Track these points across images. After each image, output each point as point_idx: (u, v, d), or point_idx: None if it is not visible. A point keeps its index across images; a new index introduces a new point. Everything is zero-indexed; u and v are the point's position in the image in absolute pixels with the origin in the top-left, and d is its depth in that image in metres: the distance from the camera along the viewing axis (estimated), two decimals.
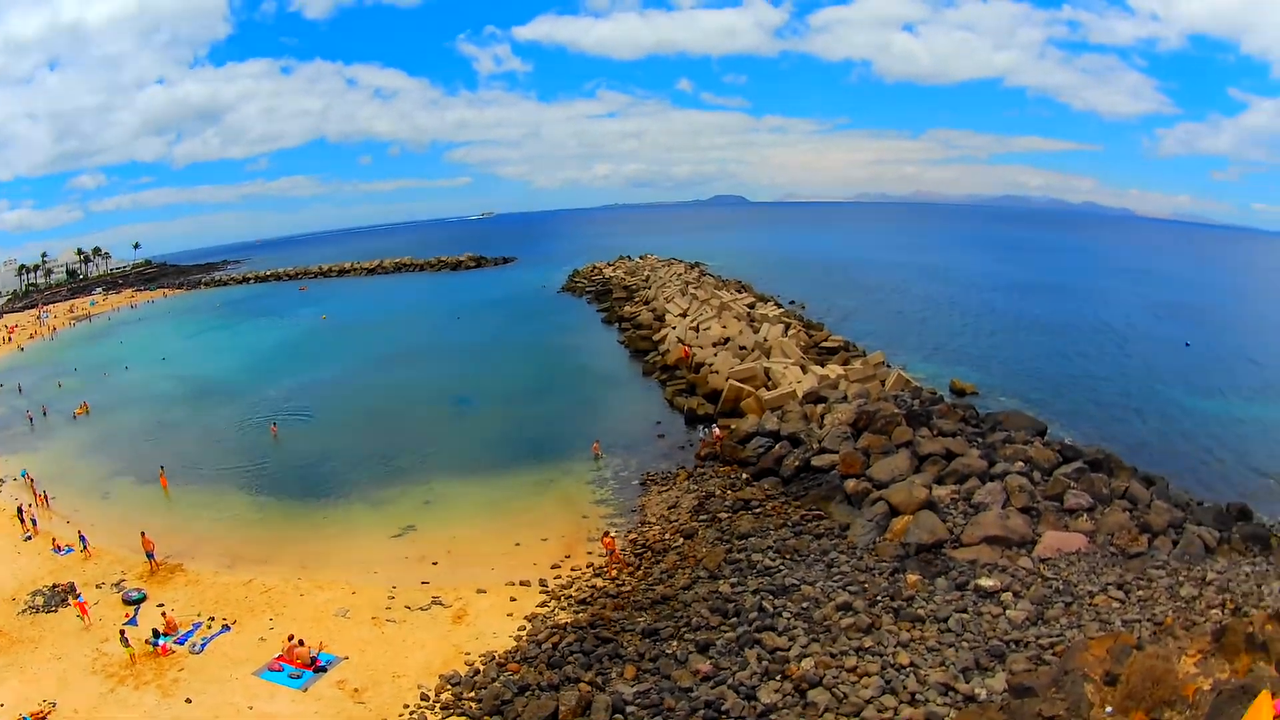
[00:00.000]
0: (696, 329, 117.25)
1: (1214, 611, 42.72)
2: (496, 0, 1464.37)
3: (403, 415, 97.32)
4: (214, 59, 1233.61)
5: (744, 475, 67.31)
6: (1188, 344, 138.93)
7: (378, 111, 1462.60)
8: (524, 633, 46.60)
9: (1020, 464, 62.76)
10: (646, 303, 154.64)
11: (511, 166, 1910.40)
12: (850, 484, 60.06)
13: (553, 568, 54.53)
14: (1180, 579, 47.19)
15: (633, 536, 58.03)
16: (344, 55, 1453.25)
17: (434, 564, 57.11)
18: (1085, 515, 55.39)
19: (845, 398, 78.96)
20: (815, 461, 64.90)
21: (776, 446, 68.74)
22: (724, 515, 59.42)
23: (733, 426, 76.44)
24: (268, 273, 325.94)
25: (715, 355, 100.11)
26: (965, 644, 41.20)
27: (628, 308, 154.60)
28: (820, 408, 77.01)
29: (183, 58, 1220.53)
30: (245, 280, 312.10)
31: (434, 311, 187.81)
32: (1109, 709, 30.72)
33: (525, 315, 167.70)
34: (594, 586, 51.47)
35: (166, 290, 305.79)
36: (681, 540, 56.19)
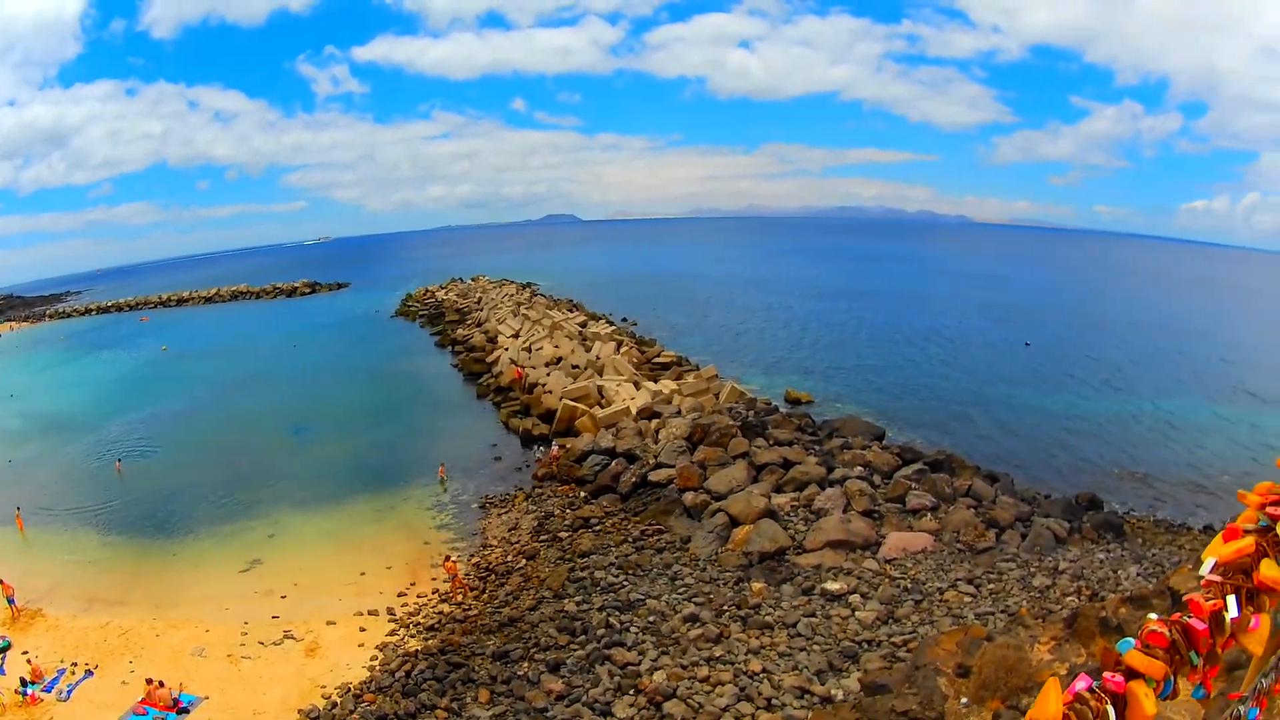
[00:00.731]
0: (529, 350, 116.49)
1: (1070, 599, 44.01)
2: (338, 20, 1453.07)
3: (244, 446, 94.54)
4: (63, 80, 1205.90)
5: (582, 494, 66.73)
6: (1027, 344, 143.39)
7: (217, 135, 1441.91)
8: (376, 662, 45.17)
9: (859, 469, 64.01)
10: (479, 325, 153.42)
11: (346, 190, 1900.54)
12: (689, 497, 60.01)
13: (399, 595, 53.21)
14: (1032, 570, 48.49)
15: (475, 560, 56.97)
16: (187, 76, 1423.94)
17: (283, 597, 55.21)
18: (929, 515, 56.62)
19: (679, 412, 79.33)
20: (652, 476, 64.67)
21: (613, 463, 68.39)
22: (564, 534, 58.81)
23: (568, 445, 75.88)
24: (110, 303, 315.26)
25: (548, 375, 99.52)
26: (817, 647, 41.34)
27: (460, 330, 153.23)
28: (655, 423, 77.16)
29: (33, 79, 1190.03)
30: (88, 311, 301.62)
31: (271, 339, 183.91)
32: (964, 700, 31.02)
33: (360, 341, 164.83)
34: (441, 612, 50.28)
35: (13, 323, 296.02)
36: (524, 561, 55.30)
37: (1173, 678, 7.27)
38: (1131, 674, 6.96)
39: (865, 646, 41.06)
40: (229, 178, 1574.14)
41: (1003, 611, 42.95)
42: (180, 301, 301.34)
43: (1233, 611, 7.58)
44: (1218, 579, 7.84)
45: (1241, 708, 9.21)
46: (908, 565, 49.42)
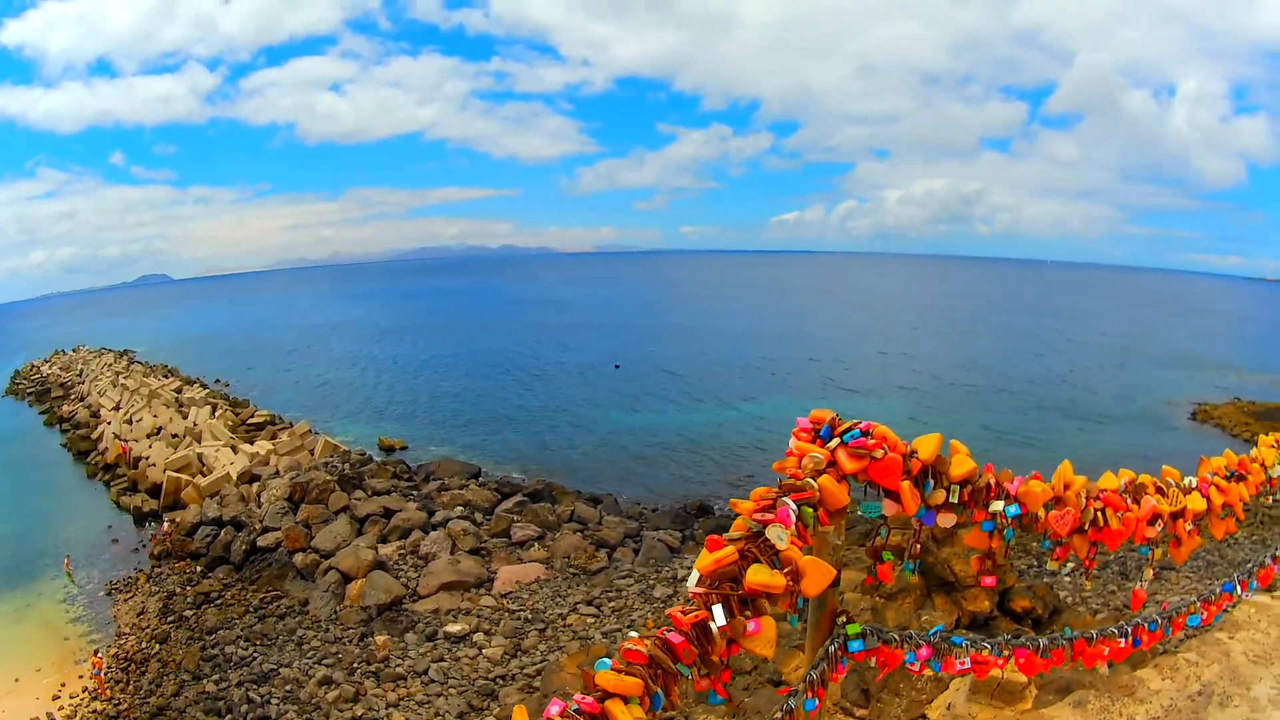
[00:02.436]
0: (130, 422, 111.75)
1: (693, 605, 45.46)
2: None
3: None
4: None
5: (198, 568, 64.33)
6: (617, 365, 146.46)
7: None
8: None
9: (460, 508, 65.04)
10: (82, 399, 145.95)
11: None
12: (299, 558, 59.21)
13: (54, 699, 50.72)
14: (651, 582, 50.63)
15: (114, 651, 54.86)
16: None
17: None
18: (536, 545, 57.94)
19: (278, 472, 77.90)
20: (261, 542, 63.11)
21: (222, 533, 66.57)
22: (189, 613, 56.49)
23: (178, 519, 73.56)
24: None
25: (151, 447, 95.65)
26: (453, 690, 41.75)
27: (66, 406, 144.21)
28: (256, 486, 75.39)
29: None
30: None
31: None
32: None
33: None
34: (95, 711, 48.18)
35: None
36: (158, 646, 52.97)
37: (660, 692, 7.67)
38: (608, 694, 7.35)
39: (500, 682, 41.79)
40: None
41: (628, 626, 44.47)
42: None
43: (719, 620, 8.08)
44: (701, 590, 8.29)
45: (793, 701, 9.84)
46: (524, 597, 50.61)
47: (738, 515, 9.58)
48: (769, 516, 8.99)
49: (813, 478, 9.66)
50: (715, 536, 8.80)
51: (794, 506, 9.13)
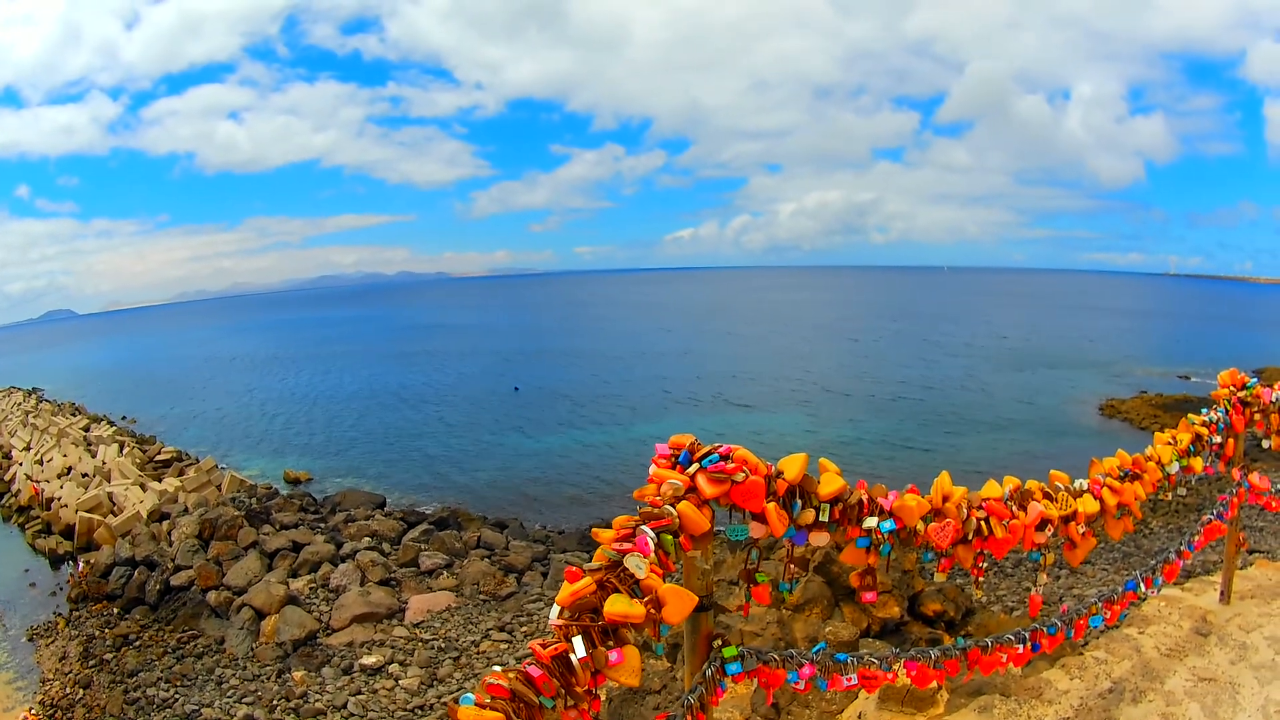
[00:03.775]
0: (41, 462, 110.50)
1: None
2: None
3: None
4: None
5: (115, 609, 63.90)
6: (516, 388, 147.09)
7: None
8: None
9: (367, 539, 65.84)
10: None
11: None
12: (212, 596, 59.16)
13: None
14: None
15: (40, 698, 54.36)
16: None
17: None
18: (445, 572, 58.93)
19: (187, 509, 77.43)
20: (174, 580, 62.91)
21: (136, 573, 66.24)
22: (110, 656, 56.32)
23: (93, 561, 72.96)
24: None
25: (62, 488, 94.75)
26: None
27: None
28: (166, 524, 75.05)
29: None
30: None
31: None
32: None
33: None
34: None
35: None
36: (82, 691, 52.84)
37: None
38: None
39: (419, 712, 42.70)
40: None
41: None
42: None
43: (579, 652, 8.35)
44: (561, 623, 8.55)
45: None
46: (436, 625, 51.55)
47: (595, 538, 9.84)
48: (627, 546, 9.28)
49: (672, 504, 9.92)
50: (573, 568, 9.08)
51: (652, 535, 9.39)
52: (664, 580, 9.37)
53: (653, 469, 11.00)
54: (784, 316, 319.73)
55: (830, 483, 11.82)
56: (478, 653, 47.35)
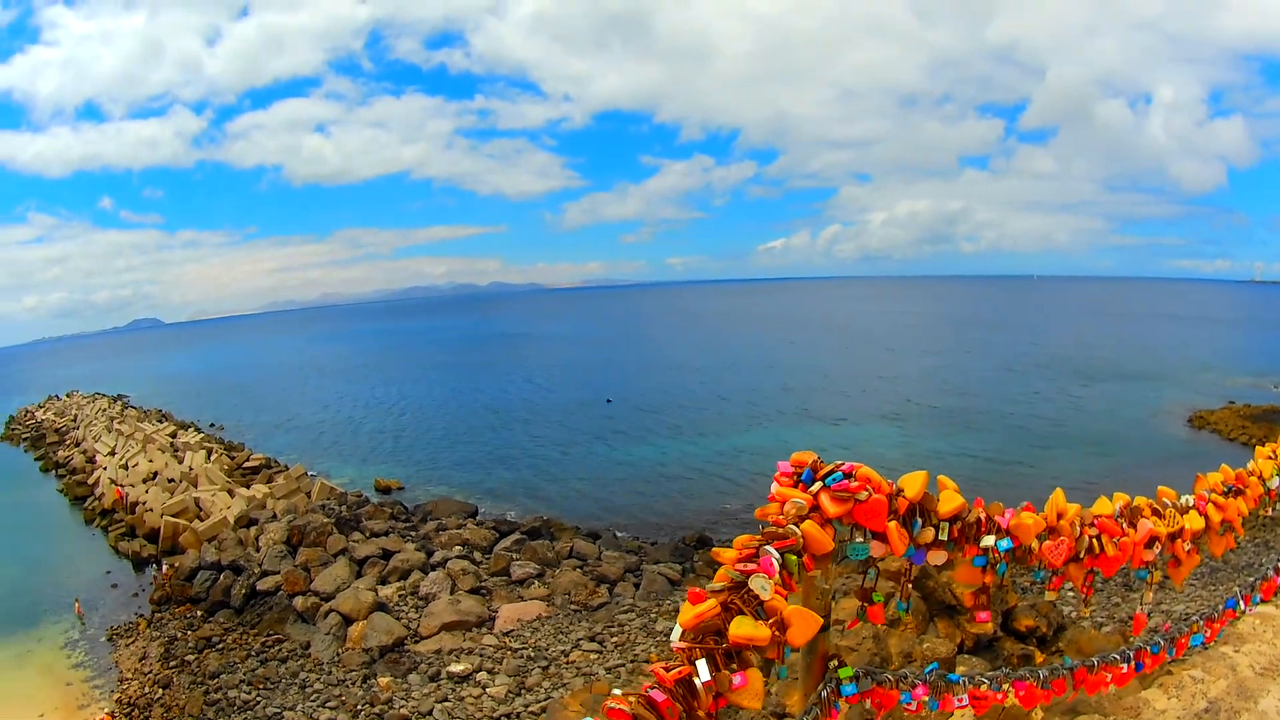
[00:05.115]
0: (126, 467, 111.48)
1: None
2: None
3: None
4: None
5: (199, 612, 64.14)
6: (609, 400, 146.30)
7: None
8: None
9: (458, 548, 65.48)
10: (78, 445, 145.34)
11: None
12: (299, 601, 59.33)
13: None
14: (653, 616, 50.90)
15: (118, 696, 54.68)
16: None
17: None
18: (536, 582, 58.31)
19: (275, 516, 77.55)
20: (260, 585, 63.17)
21: (221, 577, 66.46)
22: (191, 657, 56.39)
23: (177, 564, 73.49)
24: None
25: (147, 492, 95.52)
26: None
27: (61, 452, 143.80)
28: (254, 530, 75.25)
29: None
30: None
31: None
32: None
33: None
34: None
35: None
36: (161, 691, 52.87)
37: None
38: None
39: None
40: None
41: (632, 661, 44.56)
42: None
43: (704, 675, 7.96)
44: (684, 645, 8.21)
45: None
46: (526, 635, 50.70)
47: (716, 558, 9.50)
48: (751, 567, 8.87)
49: (795, 524, 9.57)
50: (696, 589, 8.70)
51: (777, 555, 9.01)
52: (787, 601, 9.10)
53: (774, 487, 10.54)
54: (873, 328, 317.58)
55: (949, 501, 11.28)
56: (567, 662, 46.51)
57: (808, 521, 9.63)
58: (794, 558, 9.22)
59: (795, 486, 10.31)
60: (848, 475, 10.16)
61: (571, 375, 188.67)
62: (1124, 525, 12.34)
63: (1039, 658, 35.23)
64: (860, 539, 10.54)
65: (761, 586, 8.70)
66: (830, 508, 9.93)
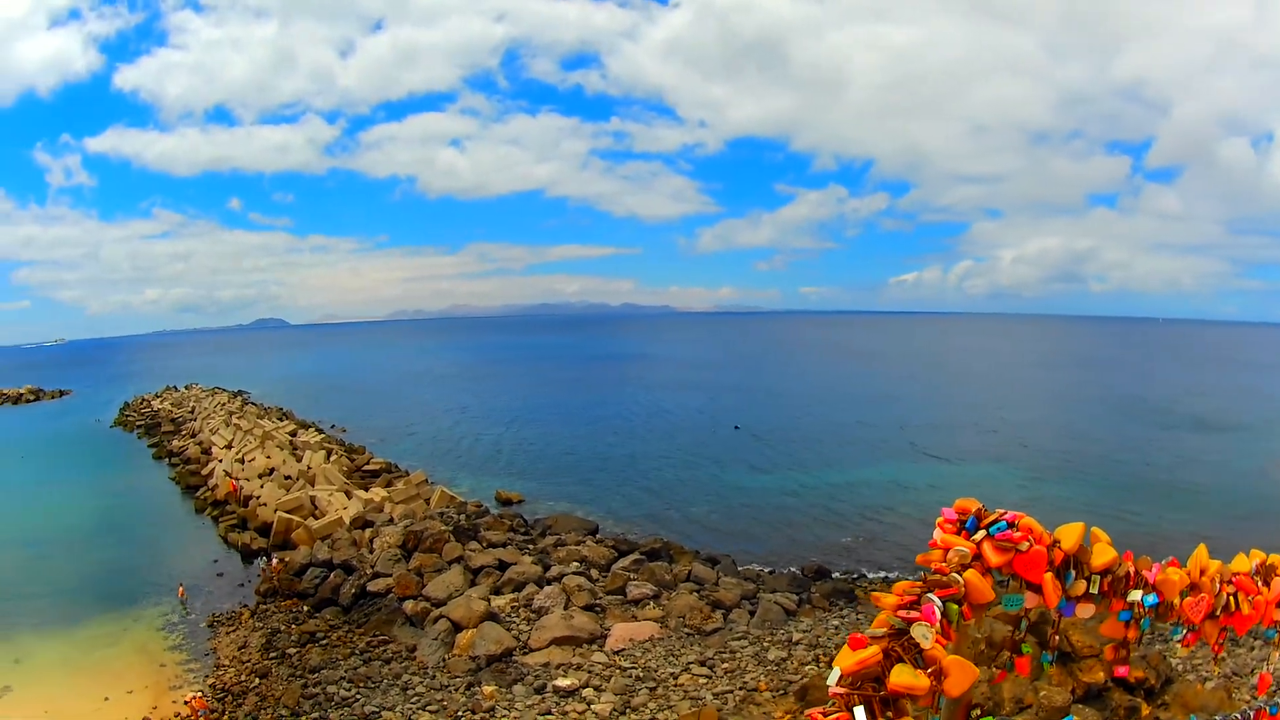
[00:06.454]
0: (242, 461, 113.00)
1: (809, 667, 46.19)
2: (77, 107, 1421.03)
3: None
4: None
5: (305, 607, 64.41)
6: (737, 426, 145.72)
7: None
8: None
9: (576, 564, 65.01)
10: (193, 436, 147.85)
11: (69, 290, 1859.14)
12: (409, 605, 59.21)
13: None
14: (765, 644, 50.15)
15: (211, 681, 55.24)
16: None
17: None
18: (652, 603, 57.36)
19: (392, 520, 78.30)
20: (371, 587, 63.31)
21: (332, 575, 66.68)
22: (292, 650, 56.58)
23: (287, 559, 74.05)
24: None
25: (262, 487, 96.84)
26: None
27: (176, 441, 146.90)
28: (369, 532, 75.65)
29: None
30: None
31: None
32: None
33: (82, 453, 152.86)
34: None
35: None
36: (258, 680, 52.91)
37: None
38: None
39: None
40: None
41: (741, 688, 43.99)
42: None
43: None
44: (843, 691, 8.00)
45: None
46: (637, 655, 49.81)
47: (875, 603, 9.27)
48: (913, 614, 8.64)
49: (958, 572, 9.33)
50: (858, 635, 8.45)
51: (939, 603, 8.79)
52: (945, 650, 8.86)
53: (937, 533, 10.31)
54: (997, 368, 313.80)
55: (1103, 554, 10.99)
56: (675, 685, 45.44)
57: (970, 570, 9.37)
58: (954, 606, 8.96)
59: (958, 534, 10.06)
60: (1011, 525, 9.87)
61: (699, 399, 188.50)
62: (1259, 583, 12.05)
63: (1145, 709, 34.76)
64: (1017, 589, 10.29)
65: (923, 635, 8.44)
66: (993, 557, 9.67)
